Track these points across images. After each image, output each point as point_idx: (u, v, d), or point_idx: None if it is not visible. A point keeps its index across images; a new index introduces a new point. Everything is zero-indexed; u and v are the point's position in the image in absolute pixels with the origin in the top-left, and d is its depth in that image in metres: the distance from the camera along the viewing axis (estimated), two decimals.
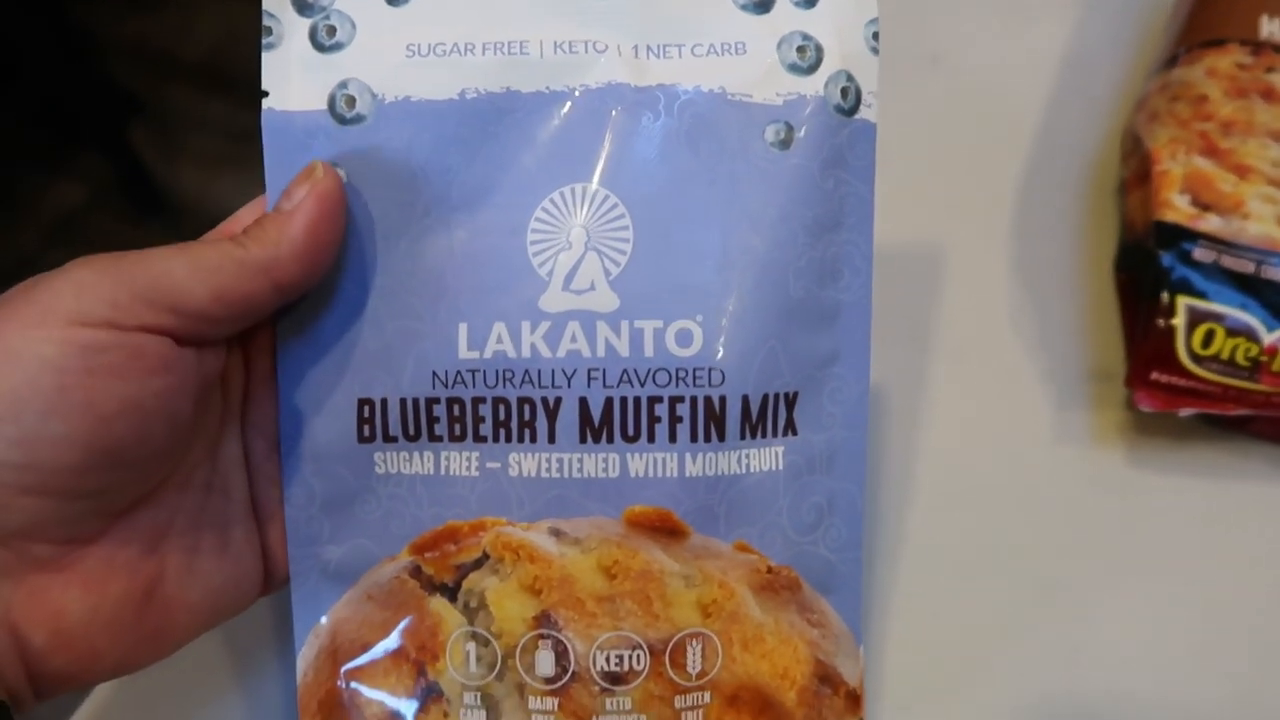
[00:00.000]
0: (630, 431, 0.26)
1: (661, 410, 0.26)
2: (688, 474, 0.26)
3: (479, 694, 0.26)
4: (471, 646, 0.26)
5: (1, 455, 0.21)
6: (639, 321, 0.26)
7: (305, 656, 0.28)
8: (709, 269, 0.26)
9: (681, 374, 0.26)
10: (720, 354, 0.26)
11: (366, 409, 0.26)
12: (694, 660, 0.26)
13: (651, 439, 0.26)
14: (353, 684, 0.27)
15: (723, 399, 0.26)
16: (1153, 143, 0.36)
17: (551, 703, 0.26)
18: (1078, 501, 0.34)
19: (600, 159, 0.26)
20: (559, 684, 0.26)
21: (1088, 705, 0.31)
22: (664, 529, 0.26)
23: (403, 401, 0.26)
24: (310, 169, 0.25)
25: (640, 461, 0.26)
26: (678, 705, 0.26)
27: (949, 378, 0.36)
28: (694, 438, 0.26)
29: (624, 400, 0.26)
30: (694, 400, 0.26)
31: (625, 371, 0.26)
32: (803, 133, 0.26)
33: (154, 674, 0.30)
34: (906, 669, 0.31)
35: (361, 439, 0.27)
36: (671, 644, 0.26)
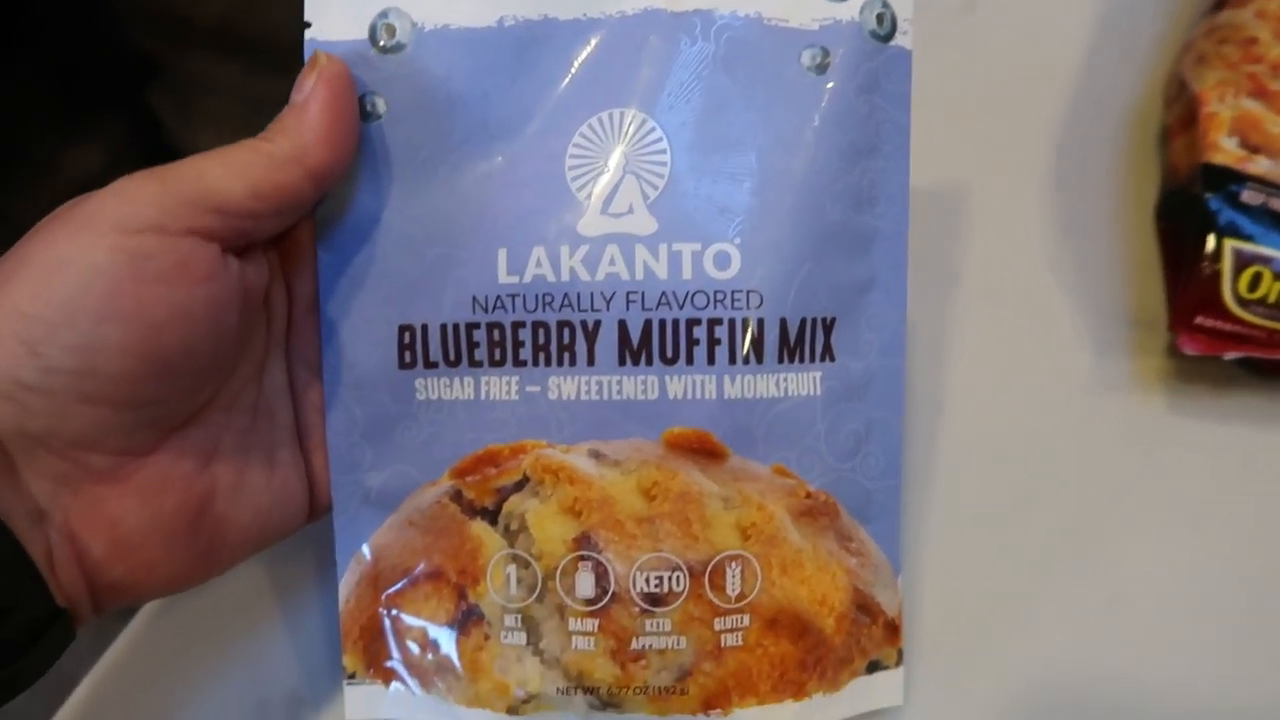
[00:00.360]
0: (669, 354, 0.26)
1: (700, 333, 0.26)
2: (726, 396, 0.26)
3: (519, 616, 0.26)
4: (512, 569, 0.26)
5: (58, 361, 0.22)
6: (677, 244, 0.26)
7: (347, 583, 0.28)
8: (746, 192, 0.26)
9: (720, 296, 0.26)
10: (758, 277, 0.26)
11: (407, 335, 0.27)
12: (733, 582, 0.26)
13: (690, 361, 0.26)
14: (394, 609, 0.27)
15: (761, 321, 0.26)
16: (1200, 85, 0.36)
17: (591, 624, 0.26)
18: (1116, 448, 0.34)
19: (637, 84, 0.26)
20: (599, 605, 0.26)
21: (1123, 652, 0.31)
22: (703, 450, 0.26)
23: (443, 327, 0.27)
24: (313, 59, 0.25)
25: (679, 384, 0.26)
26: (717, 627, 0.26)
27: (986, 321, 0.36)
28: (732, 360, 0.26)
29: (662, 323, 0.26)
30: (732, 322, 0.26)
31: (664, 294, 0.26)
32: (838, 57, 0.26)
33: (197, 601, 0.31)
34: (939, 610, 0.31)
35: (402, 365, 0.27)
36: (711, 566, 0.26)
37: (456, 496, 0.27)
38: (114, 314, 0.22)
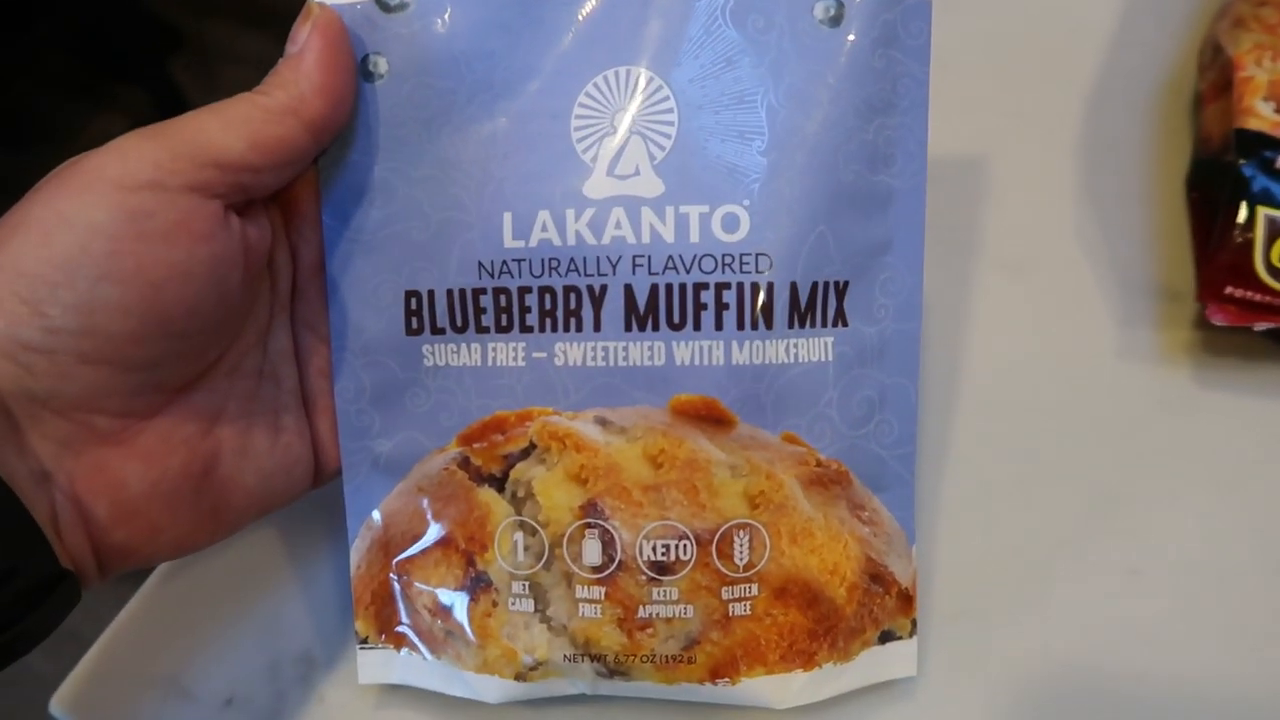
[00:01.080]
0: (676, 319, 0.25)
1: (707, 297, 0.25)
2: (734, 362, 0.25)
3: (527, 583, 0.26)
4: (519, 536, 0.26)
5: (59, 321, 0.22)
6: (684, 206, 0.25)
7: (358, 548, 0.28)
8: (755, 151, 0.25)
9: (728, 260, 0.25)
10: (767, 239, 0.25)
11: (414, 301, 0.27)
12: (741, 551, 0.26)
13: (697, 327, 0.25)
14: (404, 575, 0.27)
15: (770, 285, 0.25)
16: (1236, 49, 0.34)
17: (598, 591, 0.26)
18: (1142, 419, 0.33)
19: (644, 41, 0.25)
20: (606, 573, 0.26)
21: (1144, 626, 0.30)
22: (710, 418, 0.26)
23: (449, 293, 0.26)
24: (306, 10, 0.25)
25: (686, 349, 0.25)
26: (725, 596, 0.26)
27: (1009, 291, 0.35)
28: (740, 325, 0.25)
29: (669, 287, 0.25)
30: (740, 287, 0.25)
31: (670, 258, 0.25)
32: (853, 9, 0.25)
33: (209, 563, 0.31)
34: (956, 579, 0.31)
35: (409, 331, 0.27)
36: (718, 534, 0.26)
37: (464, 463, 0.27)
38: (114, 273, 0.22)
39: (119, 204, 0.22)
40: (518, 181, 0.26)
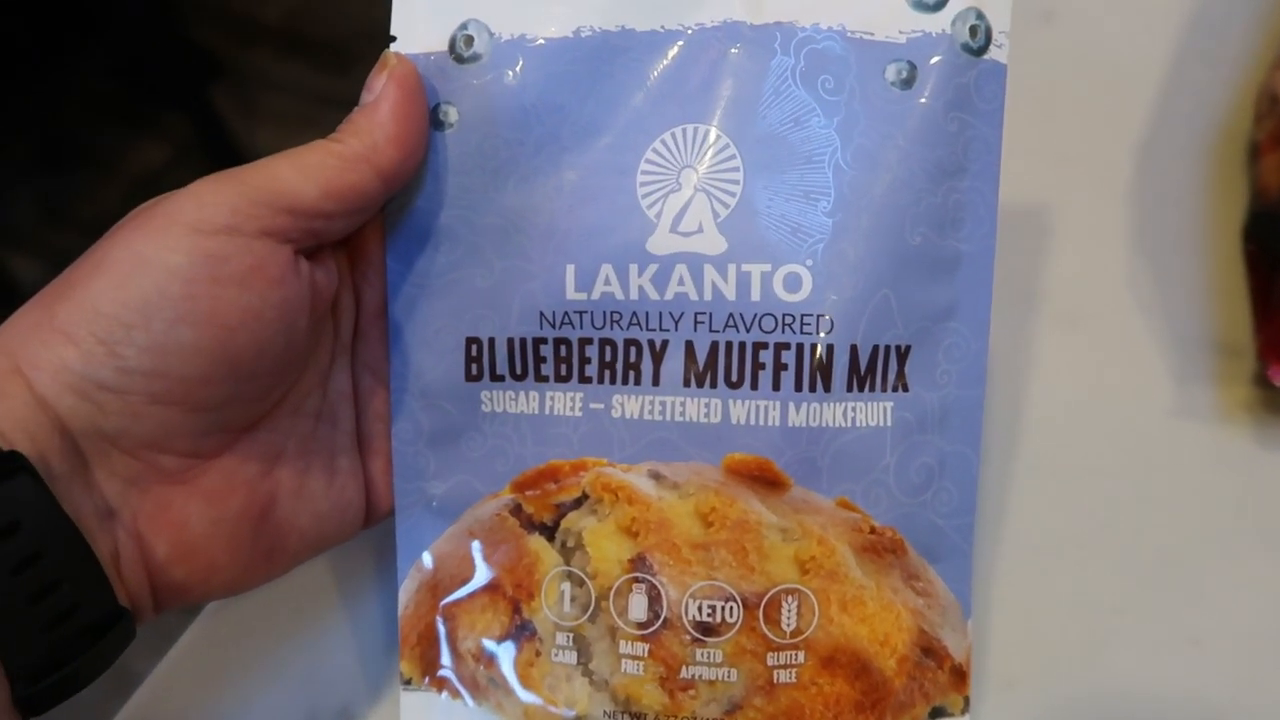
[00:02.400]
0: (733, 377, 0.25)
1: (766, 357, 0.25)
2: (790, 424, 0.25)
3: (572, 635, 0.26)
4: (567, 586, 0.26)
5: (133, 362, 0.22)
6: (746, 265, 0.25)
7: (407, 589, 0.28)
8: (820, 211, 0.25)
9: (788, 320, 0.25)
10: (829, 300, 0.25)
11: (474, 348, 0.27)
12: (789, 617, 0.25)
13: (755, 386, 0.25)
14: (450, 618, 0.28)
15: (830, 348, 0.25)
16: None
17: (642, 648, 0.26)
18: (1200, 480, 0.32)
19: (713, 99, 0.25)
20: (650, 630, 0.25)
21: (1206, 697, 0.28)
22: (763, 479, 0.25)
23: (510, 341, 0.27)
24: (384, 60, 0.25)
25: (742, 408, 0.25)
26: (770, 662, 0.25)
27: (1063, 345, 0.34)
28: (798, 387, 0.25)
29: (729, 345, 0.25)
30: (800, 347, 0.25)
31: (731, 316, 0.25)
32: (926, 72, 0.25)
33: (259, 601, 0.32)
34: (1011, 644, 0.30)
35: (469, 377, 0.27)
36: (766, 598, 0.25)
37: (516, 510, 0.27)
38: (188, 315, 0.22)
39: (195, 247, 0.22)
40: (582, 234, 0.26)
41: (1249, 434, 0.32)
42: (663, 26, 0.26)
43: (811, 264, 0.25)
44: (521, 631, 0.27)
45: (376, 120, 0.25)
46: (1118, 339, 0.34)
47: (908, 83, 0.25)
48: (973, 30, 0.25)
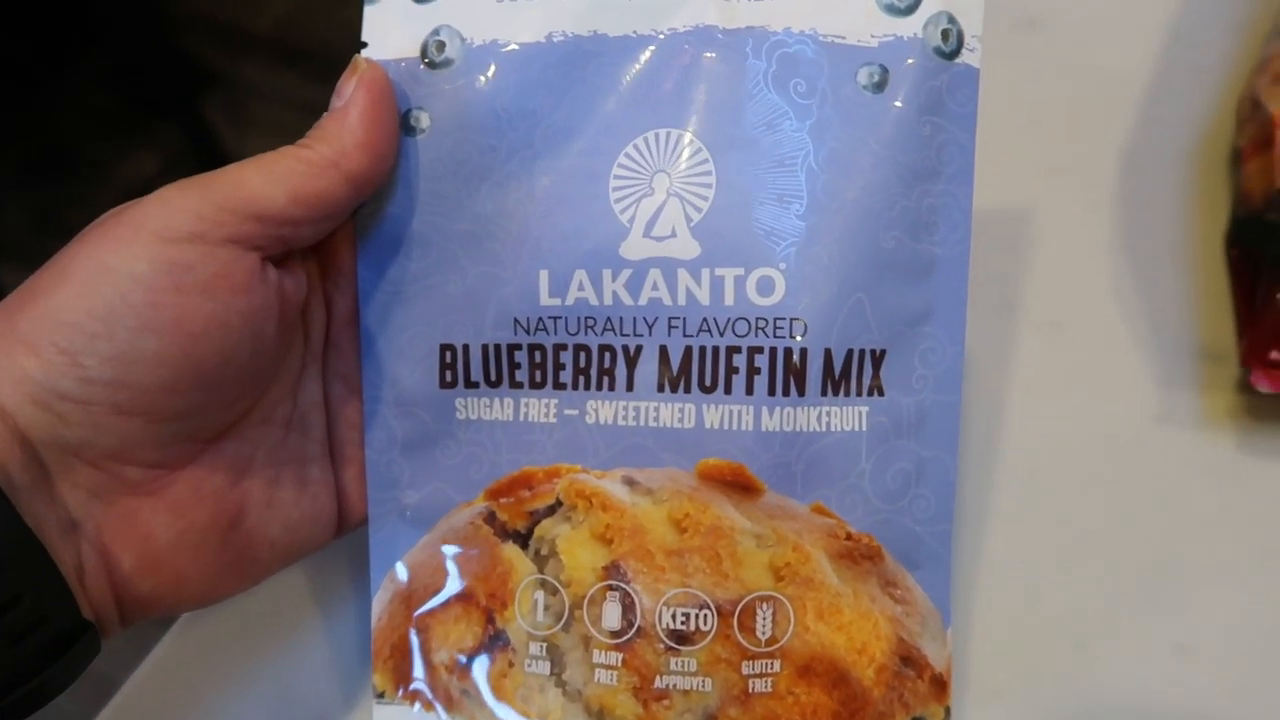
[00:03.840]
0: (707, 382, 0.25)
1: (739, 361, 0.25)
2: (764, 428, 0.25)
3: (545, 644, 0.26)
4: (540, 595, 0.26)
5: (95, 372, 0.22)
6: (719, 269, 0.25)
7: (380, 600, 0.28)
8: (794, 214, 0.25)
9: (761, 324, 0.25)
10: (803, 304, 0.25)
11: (449, 354, 0.27)
12: (764, 625, 0.25)
13: (729, 390, 0.25)
14: (424, 629, 0.27)
15: (804, 352, 0.25)
16: (1276, 106, 0.33)
17: (616, 657, 0.25)
18: (1183, 488, 0.31)
19: (685, 103, 0.25)
20: (624, 638, 0.25)
21: (1191, 705, 0.28)
22: (737, 484, 0.25)
23: (484, 347, 0.26)
24: (354, 64, 0.25)
25: (716, 413, 0.25)
26: (745, 671, 0.25)
27: (1045, 352, 0.34)
28: (772, 391, 0.25)
29: (702, 349, 0.25)
30: (773, 351, 0.25)
31: (705, 320, 0.25)
32: (898, 75, 0.25)
33: (235, 610, 0.31)
34: (994, 653, 0.29)
35: (443, 384, 0.27)
36: (740, 606, 0.25)
37: (490, 518, 0.27)
38: (153, 324, 0.22)
39: (159, 255, 0.22)
40: (555, 240, 0.26)
41: (1232, 440, 0.32)
42: (635, 32, 0.25)
43: (785, 267, 0.25)
44: (495, 642, 0.26)
45: (346, 126, 0.24)
46: (1101, 345, 0.34)
47: (880, 86, 0.25)
48: (945, 34, 0.25)
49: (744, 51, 0.25)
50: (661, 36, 0.25)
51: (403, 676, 0.28)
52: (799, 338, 0.25)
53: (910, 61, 0.25)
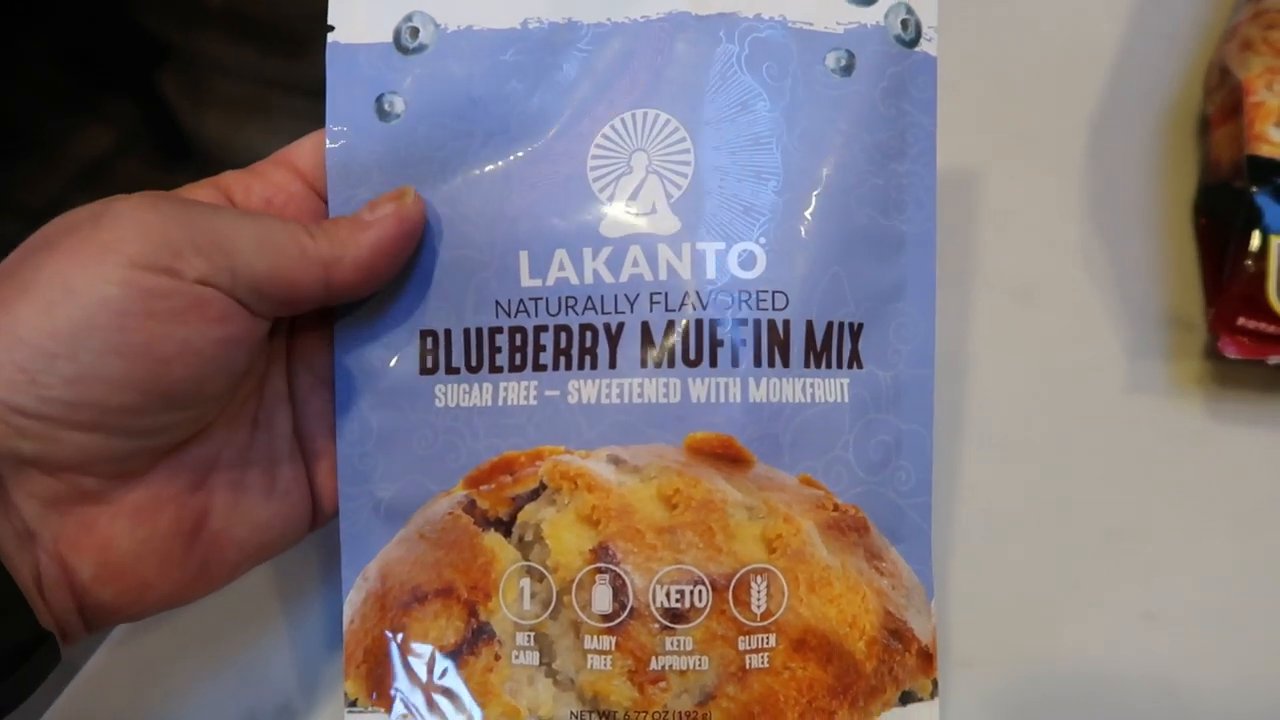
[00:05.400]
0: (692, 355, 0.25)
1: (724, 333, 0.25)
2: (751, 399, 0.25)
3: (532, 634, 0.25)
4: (526, 582, 0.25)
5: (55, 393, 0.21)
6: (700, 244, 0.25)
7: (352, 601, 0.27)
8: (771, 190, 0.25)
9: (744, 296, 0.25)
10: (784, 277, 0.25)
11: (429, 340, 0.26)
12: (758, 598, 0.25)
13: (714, 363, 0.25)
14: (401, 630, 0.26)
15: (786, 323, 0.25)
16: (1245, 73, 0.34)
17: (608, 641, 0.25)
18: (1153, 454, 0.32)
19: (661, 85, 0.26)
20: (616, 621, 0.25)
21: (1161, 668, 0.29)
22: (726, 456, 0.25)
23: (466, 332, 0.26)
24: (402, 192, 0.25)
25: (702, 387, 0.25)
26: (742, 647, 0.25)
27: (1015, 320, 0.34)
28: (757, 362, 0.25)
29: (685, 324, 0.25)
30: (757, 323, 0.25)
31: (687, 294, 0.25)
32: (864, 60, 0.26)
33: (194, 614, 0.30)
34: (964, 623, 0.29)
35: (424, 370, 0.26)
36: (735, 580, 0.25)
37: (470, 507, 0.26)
38: (120, 347, 0.21)
39: (133, 281, 0.21)
40: (534, 221, 0.26)
41: (1200, 407, 0.33)
42: (609, 19, 0.26)
43: (765, 242, 0.25)
44: (479, 636, 0.25)
45: (358, 239, 0.24)
46: (1070, 314, 0.34)
47: (847, 70, 0.26)
48: (904, 24, 0.26)
49: (717, 36, 0.26)
50: (636, 22, 0.26)
51: (377, 682, 0.26)
52: (781, 309, 0.25)
53: (874, 48, 0.26)
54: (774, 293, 0.25)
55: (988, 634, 0.29)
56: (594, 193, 0.26)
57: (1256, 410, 0.32)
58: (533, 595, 0.25)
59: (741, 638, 0.25)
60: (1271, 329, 0.31)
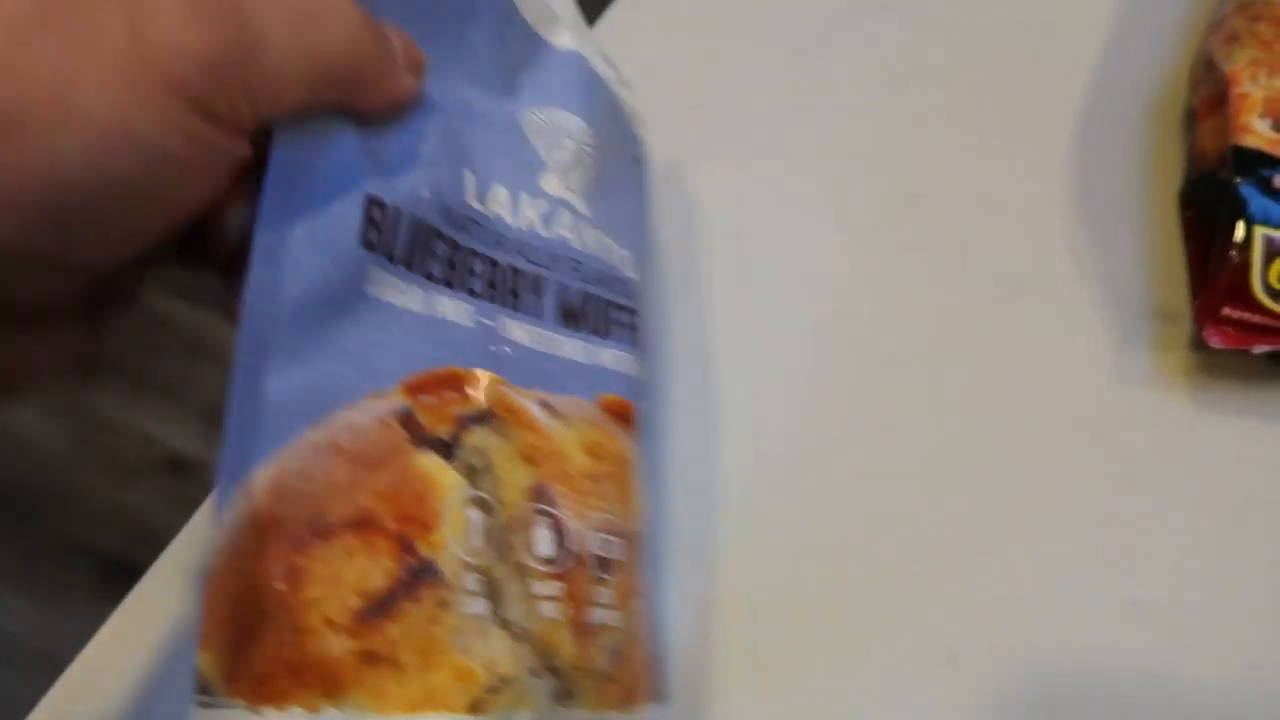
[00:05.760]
0: (598, 328, 0.26)
1: (619, 316, 0.27)
2: (640, 376, 0.27)
3: (481, 577, 0.21)
4: (474, 514, 0.21)
5: None
6: (605, 237, 0.27)
7: (220, 533, 0.18)
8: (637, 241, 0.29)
9: (635, 289, 0.28)
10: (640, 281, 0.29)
11: (376, 211, 0.21)
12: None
13: (616, 338, 0.27)
14: (294, 574, 0.18)
15: (636, 315, 0.28)
16: (1230, 65, 0.33)
17: (556, 587, 0.22)
18: (1139, 444, 0.31)
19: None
20: (562, 567, 0.22)
21: (1145, 659, 0.28)
22: (628, 420, 0.26)
23: (414, 220, 0.22)
24: (421, 65, 0.23)
25: (608, 355, 0.26)
26: (640, 609, 0.24)
27: (1000, 312, 0.34)
28: (635, 345, 0.27)
29: (594, 298, 0.26)
30: (632, 312, 0.28)
31: (599, 273, 0.27)
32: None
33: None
34: (945, 613, 0.29)
35: (365, 244, 0.21)
36: (639, 537, 0.25)
37: (407, 420, 0.21)
38: None
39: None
40: (481, 149, 0.25)
41: (1186, 398, 0.32)
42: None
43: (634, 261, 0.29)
44: (420, 576, 0.20)
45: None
46: (1056, 306, 0.34)
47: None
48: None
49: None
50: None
51: (245, 657, 0.17)
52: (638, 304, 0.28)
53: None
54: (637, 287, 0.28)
55: (969, 625, 0.29)
56: (534, 148, 0.26)
57: (1242, 400, 0.32)
58: (484, 531, 0.21)
59: (637, 598, 0.25)
60: (1256, 318, 0.30)
